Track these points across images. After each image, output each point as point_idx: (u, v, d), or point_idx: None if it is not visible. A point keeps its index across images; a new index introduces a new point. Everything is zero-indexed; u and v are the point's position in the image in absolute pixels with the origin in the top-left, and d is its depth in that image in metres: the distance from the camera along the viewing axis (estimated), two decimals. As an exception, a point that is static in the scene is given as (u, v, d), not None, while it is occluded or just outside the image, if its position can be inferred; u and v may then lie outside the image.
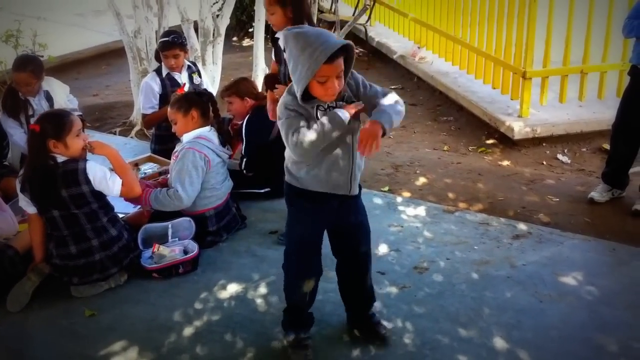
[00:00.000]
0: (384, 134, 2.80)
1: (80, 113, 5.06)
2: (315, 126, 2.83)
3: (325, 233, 3.27)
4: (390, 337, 3.40)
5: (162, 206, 4.17)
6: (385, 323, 3.47)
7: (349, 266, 3.36)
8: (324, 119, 2.83)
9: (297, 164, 3.03)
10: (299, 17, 3.95)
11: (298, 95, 2.83)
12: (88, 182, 3.68)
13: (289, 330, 3.34)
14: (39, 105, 4.86)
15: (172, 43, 5.08)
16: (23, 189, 3.72)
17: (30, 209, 3.78)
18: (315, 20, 7.02)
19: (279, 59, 4.20)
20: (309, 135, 2.82)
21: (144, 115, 5.27)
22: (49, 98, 4.89)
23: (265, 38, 7.07)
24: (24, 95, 4.85)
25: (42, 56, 5.00)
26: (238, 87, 4.85)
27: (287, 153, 3.06)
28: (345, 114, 2.84)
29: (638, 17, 4.49)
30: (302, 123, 2.85)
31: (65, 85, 5.15)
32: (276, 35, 4.15)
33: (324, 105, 2.90)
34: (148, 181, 4.49)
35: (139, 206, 4.46)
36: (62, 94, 4.99)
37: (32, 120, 4.54)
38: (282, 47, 4.03)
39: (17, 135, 4.88)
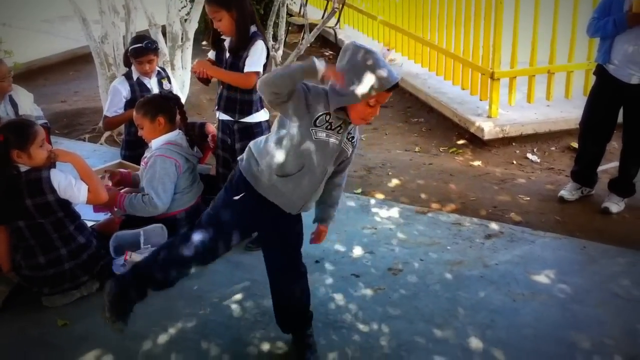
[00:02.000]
0: None
1: (46, 121, 4.99)
2: (287, 68, 2.75)
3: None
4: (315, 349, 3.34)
5: (136, 211, 4.13)
6: (360, 326, 3.47)
7: (274, 275, 3.25)
8: (298, 64, 2.73)
9: (268, 169, 2.94)
10: (242, 16, 3.94)
11: (334, 107, 2.77)
12: (53, 190, 3.62)
13: (125, 290, 3.14)
14: (2, 111, 4.76)
15: (147, 49, 5.04)
16: None
17: None
18: (284, 24, 7.03)
19: (220, 60, 4.16)
20: (280, 70, 2.80)
21: (105, 117, 5.21)
22: (14, 104, 4.80)
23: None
24: None
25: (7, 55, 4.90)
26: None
27: (267, 154, 2.96)
28: (320, 65, 2.69)
29: (602, 17, 4.55)
30: (304, 92, 2.80)
31: (30, 93, 5.06)
32: (222, 37, 4.11)
33: (329, 120, 2.82)
34: (116, 176, 4.46)
35: (109, 214, 4.42)
36: (27, 101, 4.90)
37: None
38: (227, 48, 4.04)
39: None
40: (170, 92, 4.60)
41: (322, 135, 2.85)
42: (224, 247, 3.15)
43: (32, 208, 3.59)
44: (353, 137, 2.97)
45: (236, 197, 3.01)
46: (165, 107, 4.31)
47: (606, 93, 4.70)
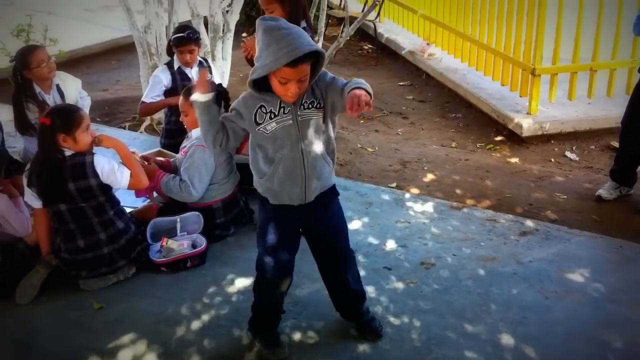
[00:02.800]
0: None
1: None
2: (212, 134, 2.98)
3: None
4: (381, 332, 3.40)
5: (170, 193, 4.23)
6: (391, 318, 3.50)
7: (328, 266, 3.33)
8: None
9: (256, 173, 3.05)
10: (295, 11, 3.99)
11: (249, 80, 2.81)
12: (95, 175, 3.71)
13: (258, 330, 3.36)
14: (51, 101, 4.85)
15: (188, 39, 5.10)
16: (30, 183, 3.75)
17: (36, 203, 3.81)
18: (324, 17, 7.05)
19: None
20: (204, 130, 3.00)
21: (142, 102, 5.27)
22: (61, 93, 4.89)
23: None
24: (39, 88, 4.82)
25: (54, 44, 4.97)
26: None
27: (251, 165, 3.08)
28: (197, 96, 2.95)
29: None
30: (226, 117, 2.96)
31: (77, 79, 5.14)
32: None
33: (267, 109, 2.87)
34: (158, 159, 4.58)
35: (147, 200, 4.49)
36: (73, 88, 4.99)
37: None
38: None
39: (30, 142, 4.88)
40: (220, 84, 4.63)
41: (271, 126, 2.88)
42: (292, 257, 3.22)
43: (74, 192, 3.68)
44: (312, 102, 2.90)
45: (261, 211, 3.16)
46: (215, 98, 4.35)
47: None
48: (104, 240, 3.81)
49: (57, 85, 4.86)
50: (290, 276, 3.27)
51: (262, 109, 2.87)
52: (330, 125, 3.01)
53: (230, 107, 2.98)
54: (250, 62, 4.24)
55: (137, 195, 4.33)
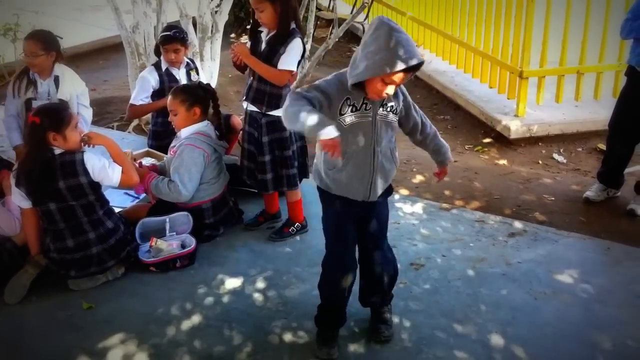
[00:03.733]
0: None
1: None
2: (304, 113, 2.71)
3: None
4: (383, 339, 3.40)
5: (160, 195, 4.22)
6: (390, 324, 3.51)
7: (369, 261, 3.37)
8: (315, 114, 2.70)
9: (325, 164, 3.09)
10: (285, 12, 3.94)
11: (353, 80, 2.81)
12: (86, 173, 3.70)
13: (319, 326, 3.39)
14: (45, 89, 4.81)
15: (174, 37, 5.08)
16: (18, 183, 3.72)
17: (24, 203, 3.78)
18: (313, 18, 7.05)
19: (254, 51, 4.14)
20: (295, 103, 2.78)
21: (132, 105, 5.25)
22: (57, 83, 4.85)
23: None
24: (34, 74, 4.81)
25: (61, 37, 4.90)
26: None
27: (318, 154, 3.14)
28: (325, 133, 2.66)
29: (637, 19, 4.51)
30: (320, 91, 2.87)
31: (82, 82, 5.07)
32: (260, 28, 4.13)
33: (351, 102, 2.91)
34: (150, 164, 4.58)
35: (137, 200, 4.48)
36: (70, 85, 4.92)
37: (35, 105, 4.57)
38: (263, 40, 4.06)
39: (11, 104, 4.87)
40: (209, 84, 4.63)
41: (350, 119, 2.93)
42: (353, 250, 3.29)
43: (64, 190, 3.66)
44: (392, 106, 3.01)
45: (324, 206, 3.23)
46: (202, 98, 4.36)
47: (637, 95, 4.66)
48: (93, 240, 3.80)
49: (57, 77, 4.82)
50: (353, 271, 3.29)
51: (348, 100, 2.91)
52: (397, 130, 3.13)
53: (320, 86, 2.89)
54: (239, 67, 4.23)
55: (137, 192, 4.34)
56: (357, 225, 3.26)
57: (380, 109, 2.98)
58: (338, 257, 3.26)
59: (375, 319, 3.47)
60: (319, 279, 3.37)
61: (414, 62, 2.73)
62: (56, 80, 4.80)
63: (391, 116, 3.03)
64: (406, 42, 2.74)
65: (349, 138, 2.96)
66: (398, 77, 2.79)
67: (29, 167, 3.67)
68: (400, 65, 2.71)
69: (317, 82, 2.94)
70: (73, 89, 4.88)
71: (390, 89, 2.83)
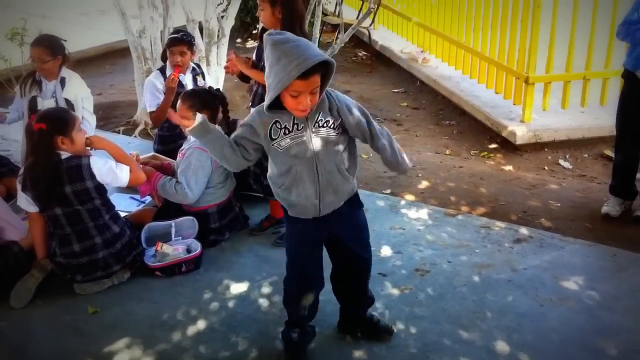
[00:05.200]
0: None
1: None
2: (228, 150, 2.92)
3: None
4: (390, 334, 3.43)
5: (166, 195, 4.24)
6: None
7: (342, 271, 3.33)
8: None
9: (273, 184, 3.05)
10: (288, 18, 3.90)
11: (265, 103, 2.78)
12: (92, 177, 3.71)
13: (287, 344, 3.35)
14: (51, 90, 4.84)
15: (180, 39, 5.10)
16: (25, 187, 3.73)
17: (31, 208, 3.80)
18: (319, 23, 7.06)
19: (259, 57, 4.16)
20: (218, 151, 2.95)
21: (151, 113, 5.27)
22: (63, 85, 4.87)
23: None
24: (40, 76, 4.85)
25: (65, 40, 4.94)
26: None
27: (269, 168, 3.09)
28: (191, 130, 2.95)
29: (634, 23, 4.51)
30: (240, 132, 2.92)
31: (87, 89, 5.09)
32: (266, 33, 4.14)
33: (282, 124, 2.84)
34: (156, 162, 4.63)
35: (142, 204, 4.49)
36: (76, 89, 4.94)
37: (41, 104, 4.68)
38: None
39: (17, 103, 4.94)
40: (218, 89, 4.64)
41: (285, 142, 2.87)
42: (315, 269, 3.21)
43: (71, 195, 3.68)
44: (328, 121, 2.88)
45: (286, 223, 3.18)
46: (210, 103, 4.36)
47: (636, 97, 4.65)
48: (100, 245, 3.81)
49: (63, 78, 4.85)
50: (314, 290, 3.25)
51: (277, 124, 2.85)
52: (351, 143, 3.01)
53: (242, 123, 2.95)
54: (241, 78, 4.29)
55: (142, 194, 4.35)
56: (331, 244, 3.22)
57: (315, 125, 2.86)
58: (297, 276, 3.20)
59: (373, 329, 3.44)
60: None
61: (305, 66, 2.61)
62: (62, 81, 4.83)
63: (328, 131, 2.88)
64: (294, 49, 2.65)
65: (288, 160, 2.91)
66: (300, 86, 2.68)
67: (37, 173, 3.67)
68: (293, 74, 2.63)
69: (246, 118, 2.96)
70: (78, 92, 4.90)
71: (303, 100, 2.73)
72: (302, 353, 3.33)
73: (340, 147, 2.96)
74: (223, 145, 2.93)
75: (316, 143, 2.88)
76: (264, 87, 4.09)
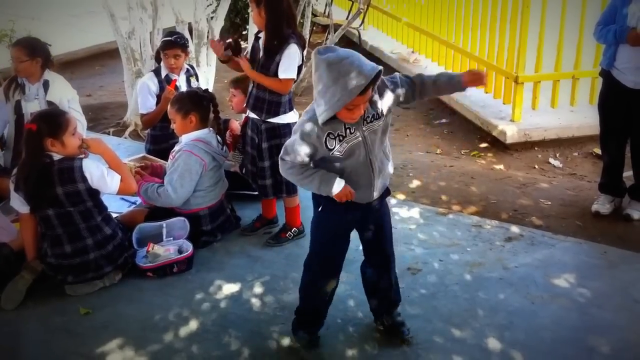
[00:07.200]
0: None
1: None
2: (307, 172, 2.97)
3: None
4: (409, 339, 3.42)
5: (150, 200, 4.24)
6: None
7: (374, 264, 3.40)
8: (317, 178, 2.95)
9: None
10: (273, 19, 3.93)
11: (321, 120, 2.82)
12: (84, 179, 3.70)
13: (301, 331, 3.39)
14: (34, 93, 4.84)
15: (175, 43, 5.09)
16: (17, 188, 3.72)
17: (23, 208, 3.79)
18: (308, 24, 7.07)
19: (253, 59, 4.16)
20: (293, 174, 3.01)
21: (142, 115, 5.26)
22: (46, 89, 4.87)
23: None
24: (22, 78, 4.85)
25: (50, 44, 4.95)
26: (246, 85, 4.59)
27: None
28: (335, 190, 2.96)
29: (607, 24, 4.54)
30: (304, 155, 2.94)
31: (73, 90, 5.09)
32: (258, 35, 4.15)
33: (335, 134, 2.90)
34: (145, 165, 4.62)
35: (134, 205, 4.48)
36: (61, 91, 4.94)
37: (25, 108, 4.71)
38: (261, 48, 4.06)
39: (2, 109, 4.92)
40: (207, 90, 4.63)
41: (342, 147, 2.93)
42: (342, 260, 3.31)
43: (62, 196, 3.67)
44: (374, 114, 2.97)
45: (322, 210, 3.17)
46: (198, 104, 4.34)
47: (612, 96, 4.68)
48: (91, 246, 3.79)
49: (46, 81, 4.84)
50: (338, 277, 3.33)
51: (330, 135, 2.91)
52: (386, 124, 3.08)
53: (297, 147, 2.95)
54: (224, 61, 4.32)
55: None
56: (360, 230, 3.28)
57: (364, 123, 2.95)
58: (327, 260, 3.26)
59: (392, 323, 3.48)
60: (300, 282, 3.38)
61: (365, 81, 2.68)
62: (45, 84, 4.84)
63: (374, 123, 2.98)
64: (349, 66, 2.69)
65: (344, 162, 2.98)
66: (359, 100, 2.76)
67: (26, 173, 3.66)
68: (354, 93, 2.69)
69: (291, 142, 2.97)
70: (63, 94, 4.90)
71: (359, 111, 2.82)
72: (317, 340, 3.42)
73: (383, 132, 3.06)
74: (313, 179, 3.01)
75: (368, 139, 2.98)
76: (258, 87, 4.11)
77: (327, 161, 2.99)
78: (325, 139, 2.90)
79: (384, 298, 3.46)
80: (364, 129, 2.95)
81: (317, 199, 3.17)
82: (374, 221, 3.25)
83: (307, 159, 2.97)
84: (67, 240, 3.76)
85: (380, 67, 2.76)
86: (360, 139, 2.95)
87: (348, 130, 2.92)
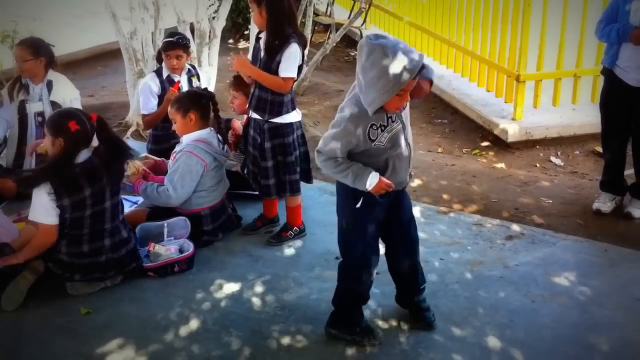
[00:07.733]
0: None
1: None
2: (342, 166, 3.02)
3: None
4: (434, 324, 3.48)
5: (149, 199, 4.29)
6: (379, 322, 3.52)
7: (399, 250, 3.44)
8: (351, 173, 3.00)
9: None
10: (274, 18, 3.96)
11: (372, 109, 2.87)
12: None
13: (353, 326, 3.40)
14: (38, 93, 4.86)
15: (176, 43, 5.09)
16: (59, 196, 3.63)
17: (49, 219, 3.68)
18: (310, 23, 7.08)
19: (254, 59, 4.19)
20: (328, 167, 3.06)
21: (144, 116, 5.26)
22: (50, 88, 4.89)
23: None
24: (26, 79, 4.88)
25: (54, 45, 4.98)
26: (246, 87, 4.64)
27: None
28: (370, 185, 3.00)
29: (609, 22, 4.54)
30: (343, 149, 2.99)
31: (76, 90, 5.11)
32: (259, 35, 4.16)
33: (377, 124, 2.97)
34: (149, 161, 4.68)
35: (135, 205, 4.50)
36: (65, 91, 4.96)
37: (28, 108, 4.77)
38: (262, 48, 4.07)
39: (6, 110, 4.95)
40: (206, 89, 4.64)
41: (385, 137, 3.01)
42: (377, 244, 3.36)
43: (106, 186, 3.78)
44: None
45: (358, 205, 3.17)
46: (197, 102, 4.36)
47: (614, 94, 4.68)
48: (107, 248, 3.82)
49: (50, 81, 4.87)
50: (377, 262, 3.38)
51: (372, 126, 2.97)
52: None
53: (336, 140, 3.00)
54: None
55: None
56: (392, 216, 3.32)
57: (402, 113, 3.07)
58: (369, 245, 3.29)
59: (417, 308, 3.54)
60: (337, 285, 3.41)
61: (416, 66, 2.79)
62: (49, 84, 4.86)
63: (407, 110, 3.12)
64: (403, 53, 2.78)
65: (388, 152, 3.06)
66: (411, 84, 2.86)
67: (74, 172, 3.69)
68: (407, 77, 2.79)
69: (330, 135, 3.01)
70: (67, 94, 4.92)
71: (407, 97, 2.92)
72: (367, 324, 3.46)
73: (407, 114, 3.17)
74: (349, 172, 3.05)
75: (406, 124, 3.13)
76: (260, 88, 4.12)
77: (368, 155, 3.04)
78: (369, 130, 2.96)
79: (412, 283, 3.51)
80: (402, 116, 3.06)
81: (350, 194, 3.17)
82: (407, 204, 3.36)
83: (345, 154, 3.02)
84: (88, 240, 3.77)
85: (422, 54, 2.88)
86: (400, 126, 3.05)
87: (390, 119, 3.00)
